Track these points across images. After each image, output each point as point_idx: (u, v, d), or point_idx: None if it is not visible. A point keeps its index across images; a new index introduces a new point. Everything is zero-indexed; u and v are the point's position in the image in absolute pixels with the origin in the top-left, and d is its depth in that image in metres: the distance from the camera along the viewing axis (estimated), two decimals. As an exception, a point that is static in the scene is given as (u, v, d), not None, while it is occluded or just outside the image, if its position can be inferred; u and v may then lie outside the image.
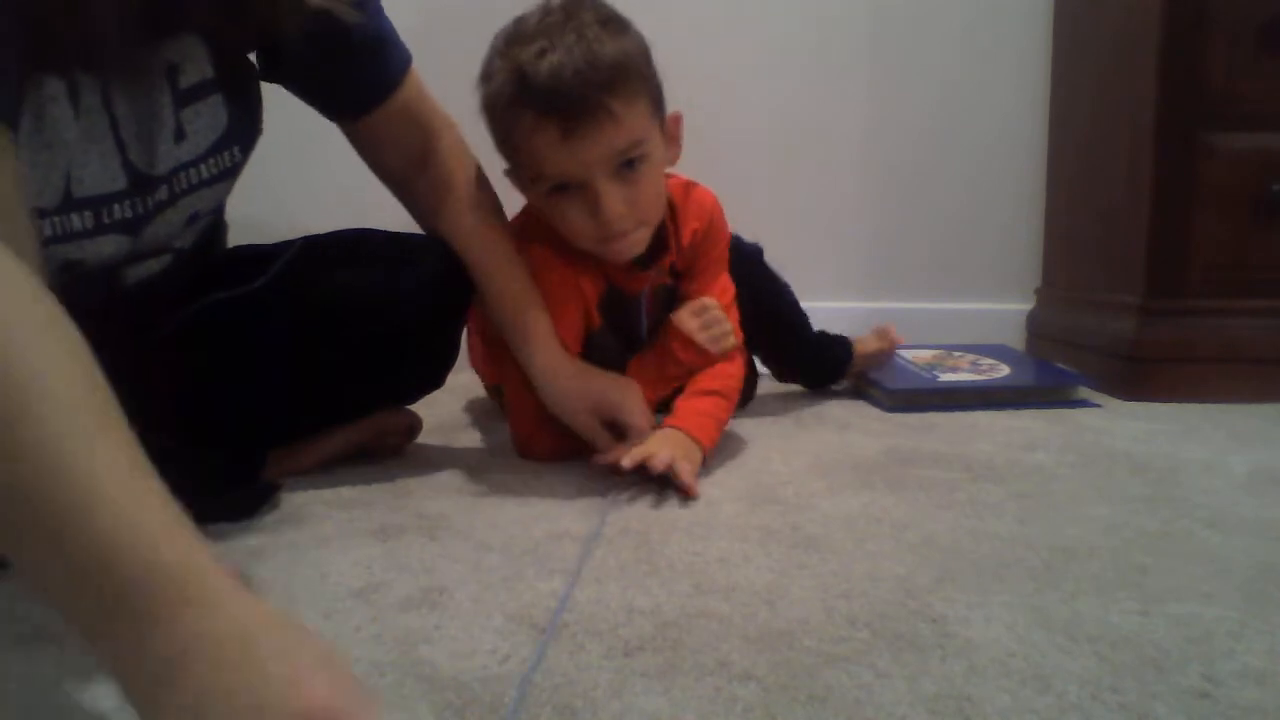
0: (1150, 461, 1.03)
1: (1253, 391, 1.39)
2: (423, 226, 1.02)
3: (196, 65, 0.78)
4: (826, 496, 0.89)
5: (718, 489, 0.92)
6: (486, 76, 0.93)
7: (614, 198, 0.90)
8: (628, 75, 0.88)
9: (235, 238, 1.05)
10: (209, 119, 0.80)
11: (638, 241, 0.97)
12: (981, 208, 1.91)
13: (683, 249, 1.07)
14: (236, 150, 0.83)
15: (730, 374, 1.07)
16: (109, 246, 0.76)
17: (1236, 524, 0.81)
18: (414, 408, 1.08)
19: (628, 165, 0.91)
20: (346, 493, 0.91)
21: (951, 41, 1.86)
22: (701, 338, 1.03)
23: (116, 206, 0.75)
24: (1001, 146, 1.89)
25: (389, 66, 0.94)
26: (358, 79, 0.93)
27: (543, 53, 0.86)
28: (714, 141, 1.80)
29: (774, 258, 1.36)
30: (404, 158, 0.98)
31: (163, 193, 0.78)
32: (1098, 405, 1.38)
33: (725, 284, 1.11)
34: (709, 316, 1.04)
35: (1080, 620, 0.60)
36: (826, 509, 0.85)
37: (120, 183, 0.74)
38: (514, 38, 0.91)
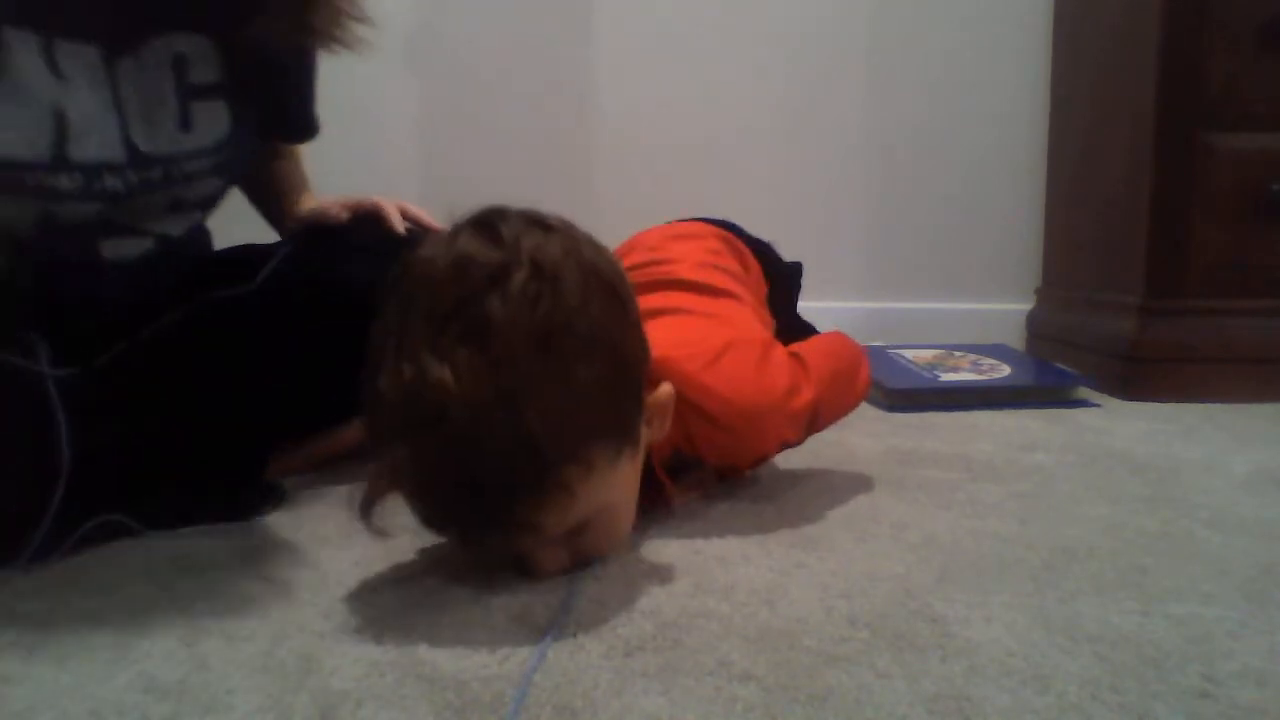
0: (1150, 462, 1.03)
1: (1253, 391, 1.40)
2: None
3: (206, 65, 0.82)
4: (827, 496, 0.89)
5: (717, 489, 0.92)
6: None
7: (553, 563, 0.66)
8: (582, 442, 0.58)
9: (231, 236, 1.05)
10: (213, 117, 0.84)
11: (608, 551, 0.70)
12: (981, 207, 1.91)
13: (703, 455, 0.83)
14: (235, 154, 0.87)
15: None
16: (91, 211, 0.79)
17: (1236, 524, 0.81)
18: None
19: (579, 531, 0.64)
20: (347, 492, 0.91)
21: (951, 40, 1.86)
22: None
23: (109, 176, 0.77)
24: (1001, 146, 1.90)
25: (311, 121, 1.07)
26: (307, 110, 1.03)
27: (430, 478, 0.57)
28: (711, 140, 1.80)
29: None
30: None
31: (157, 173, 0.81)
32: (1098, 405, 1.39)
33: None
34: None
35: (1080, 620, 0.60)
36: (826, 509, 0.85)
37: (119, 155, 0.77)
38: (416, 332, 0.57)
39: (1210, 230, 1.43)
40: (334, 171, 1.52)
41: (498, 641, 0.57)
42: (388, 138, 1.60)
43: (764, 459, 0.91)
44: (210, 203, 0.92)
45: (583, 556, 0.67)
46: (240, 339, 0.88)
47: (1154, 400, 1.40)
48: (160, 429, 0.81)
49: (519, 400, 0.53)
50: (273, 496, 0.86)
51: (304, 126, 1.05)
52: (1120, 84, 1.56)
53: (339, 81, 1.53)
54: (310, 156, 1.48)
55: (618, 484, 0.64)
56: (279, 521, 0.82)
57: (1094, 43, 1.69)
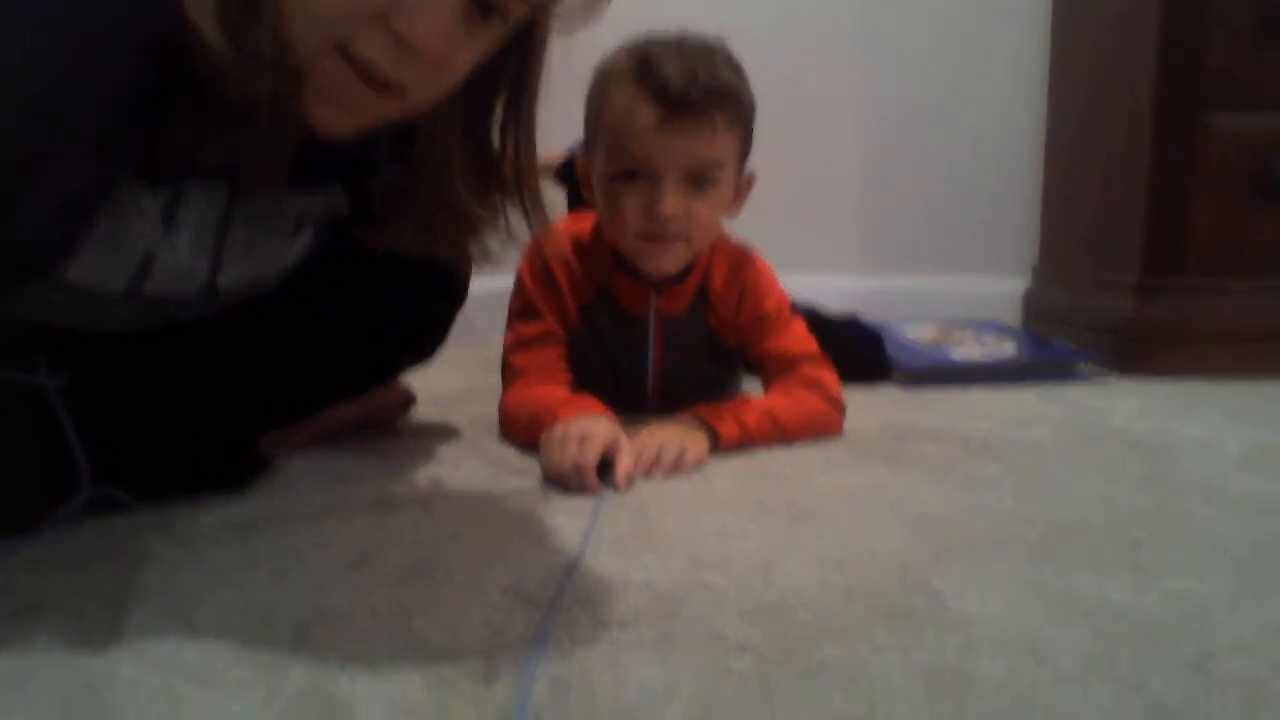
0: (1146, 438, 1.03)
1: (1249, 369, 1.40)
2: None
3: (327, 210, 0.76)
4: (823, 471, 0.89)
5: (714, 463, 0.91)
6: (605, 61, 0.99)
7: (674, 197, 0.95)
8: (735, 104, 0.96)
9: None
10: (301, 247, 0.78)
11: (674, 256, 1.00)
12: (978, 183, 1.90)
13: (712, 293, 1.08)
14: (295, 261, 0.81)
15: (800, 413, 1.01)
16: (137, 320, 0.74)
17: (1231, 500, 0.81)
18: (410, 380, 1.08)
19: (697, 182, 0.96)
20: (340, 465, 0.90)
21: (948, 13, 1.85)
22: (649, 472, 0.87)
23: (172, 305, 0.72)
24: (999, 122, 1.89)
25: None
26: None
27: (672, 54, 0.94)
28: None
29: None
30: None
31: (222, 295, 0.75)
32: (1103, 380, 1.40)
33: (798, 334, 1.09)
34: (645, 455, 0.87)
35: (1075, 594, 0.60)
36: (823, 484, 0.85)
37: (193, 292, 0.72)
38: (646, 38, 0.97)
39: (1208, 209, 1.42)
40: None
41: (490, 615, 0.56)
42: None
43: (757, 320, 1.08)
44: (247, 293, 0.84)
45: (687, 226, 0.97)
46: (234, 327, 0.87)
47: (1151, 378, 1.40)
48: (152, 403, 0.80)
49: (734, 74, 0.98)
50: (263, 468, 0.86)
51: None
52: (1119, 61, 1.55)
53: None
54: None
55: (726, 178, 0.98)
56: (272, 493, 0.81)
57: (1093, 19, 1.68)
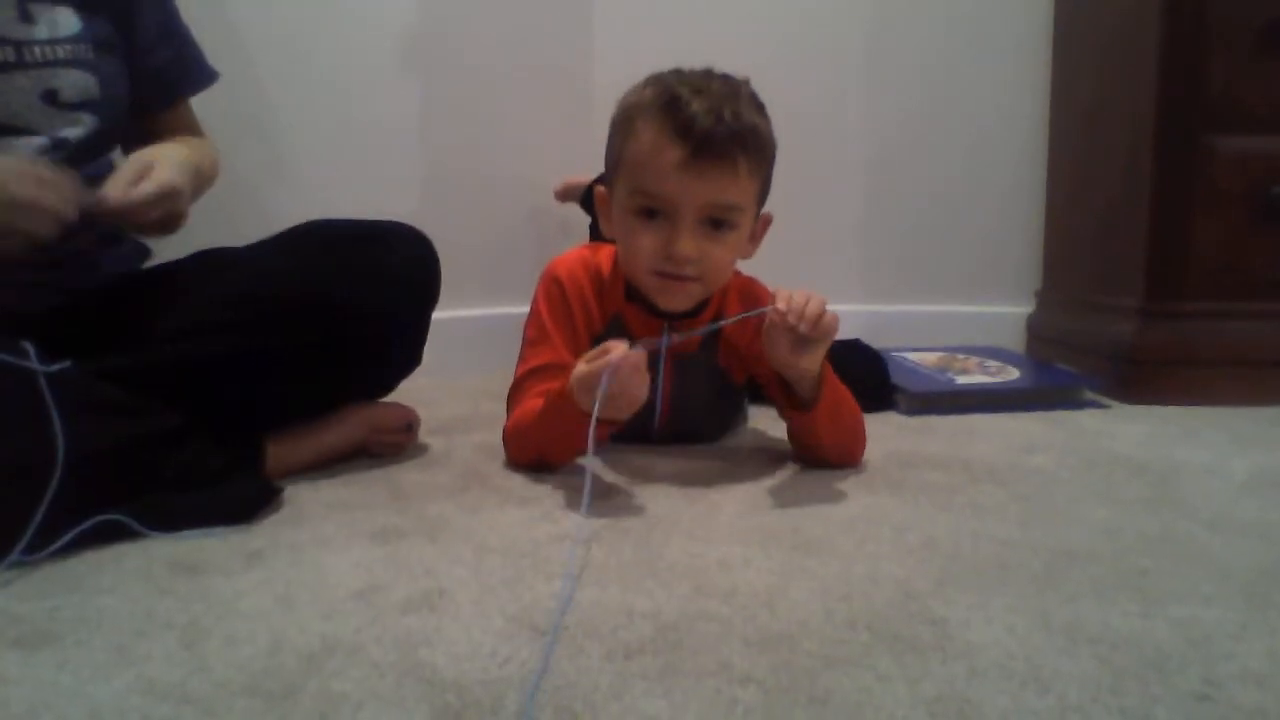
0: (1150, 464, 1.03)
1: (1253, 394, 1.39)
2: None
3: None
4: (828, 499, 0.89)
5: (718, 491, 0.92)
6: (631, 94, 0.99)
7: (690, 239, 0.94)
8: (759, 148, 0.95)
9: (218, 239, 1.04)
10: (56, 17, 0.91)
11: (687, 295, 0.99)
12: (980, 209, 1.91)
13: (724, 330, 1.05)
14: (98, 56, 0.93)
15: (853, 410, 1.03)
16: None
17: (1237, 527, 0.81)
18: (413, 406, 1.09)
19: (715, 224, 0.95)
20: (346, 494, 0.91)
21: (950, 40, 1.86)
22: (800, 330, 0.88)
23: None
24: (1001, 147, 1.89)
25: (204, 68, 1.10)
26: (185, 66, 1.06)
27: (699, 92, 0.92)
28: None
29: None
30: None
31: (8, 53, 0.87)
32: (1107, 406, 1.39)
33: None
34: (805, 309, 0.88)
35: (1081, 623, 0.60)
36: (828, 511, 0.85)
37: None
38: (673, 73, 0.96)
39: (1210, 232, 1.43)
40: (336, 175, 1.53)
41: (496, 643, 0.57)
42: (387, 139, 1.60)
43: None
44: (91, 107, 0.92)
45: (703, 267, 0.96)
46: (227, 324, 0.88)
47: (1154, 403, 1.40)
48: (157, 430, 0.81)
49: (759, 114, 0.97)
50: (270, 497, 0.86)
51: (181, 70, 1.05)
52: (1120, 85, 1.56)
53: (338, 84, 1.54)
54: (310, 159, 1.48)
55: (744, 221, 0.98)
56: (279, 523, 0.82)
57: (1094, 44, 1.69)
